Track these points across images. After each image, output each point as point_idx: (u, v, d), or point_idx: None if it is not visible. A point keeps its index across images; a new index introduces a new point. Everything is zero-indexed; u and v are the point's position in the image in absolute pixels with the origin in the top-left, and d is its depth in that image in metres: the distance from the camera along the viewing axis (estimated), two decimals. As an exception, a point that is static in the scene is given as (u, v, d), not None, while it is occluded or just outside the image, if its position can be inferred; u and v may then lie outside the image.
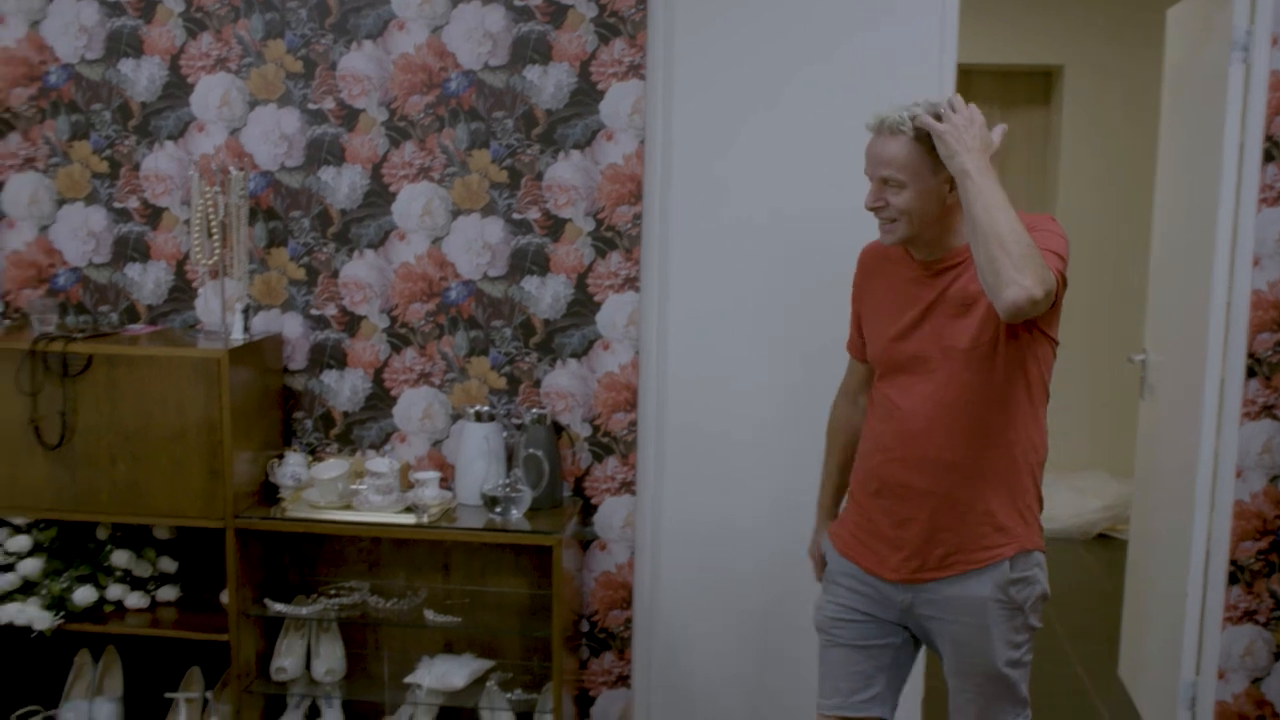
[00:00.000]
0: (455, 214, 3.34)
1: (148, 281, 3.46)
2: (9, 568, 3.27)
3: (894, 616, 2.42)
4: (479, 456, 3.26)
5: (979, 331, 2.22)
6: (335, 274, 3.39)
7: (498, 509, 3.18)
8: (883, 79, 3.12)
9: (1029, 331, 2.23)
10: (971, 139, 2.14)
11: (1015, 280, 2.01)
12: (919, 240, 2.29)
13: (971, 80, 6.67)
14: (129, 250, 3.45)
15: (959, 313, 2.25)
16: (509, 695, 3.34)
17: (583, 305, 3.34)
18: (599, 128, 3.27)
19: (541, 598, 3.35)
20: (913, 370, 2.32)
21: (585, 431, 3.39)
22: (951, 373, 2.26)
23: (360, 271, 3.39)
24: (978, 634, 2.32)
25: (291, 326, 3.42)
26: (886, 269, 2.42)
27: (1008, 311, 2.04)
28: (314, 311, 3.41)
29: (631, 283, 3.32)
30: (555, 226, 3.32)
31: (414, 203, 3.34)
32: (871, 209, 2.30)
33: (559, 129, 3.28)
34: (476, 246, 3.34)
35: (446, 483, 3.35)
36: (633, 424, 3.37)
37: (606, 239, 3.31)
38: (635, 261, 3.30)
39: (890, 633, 2.44)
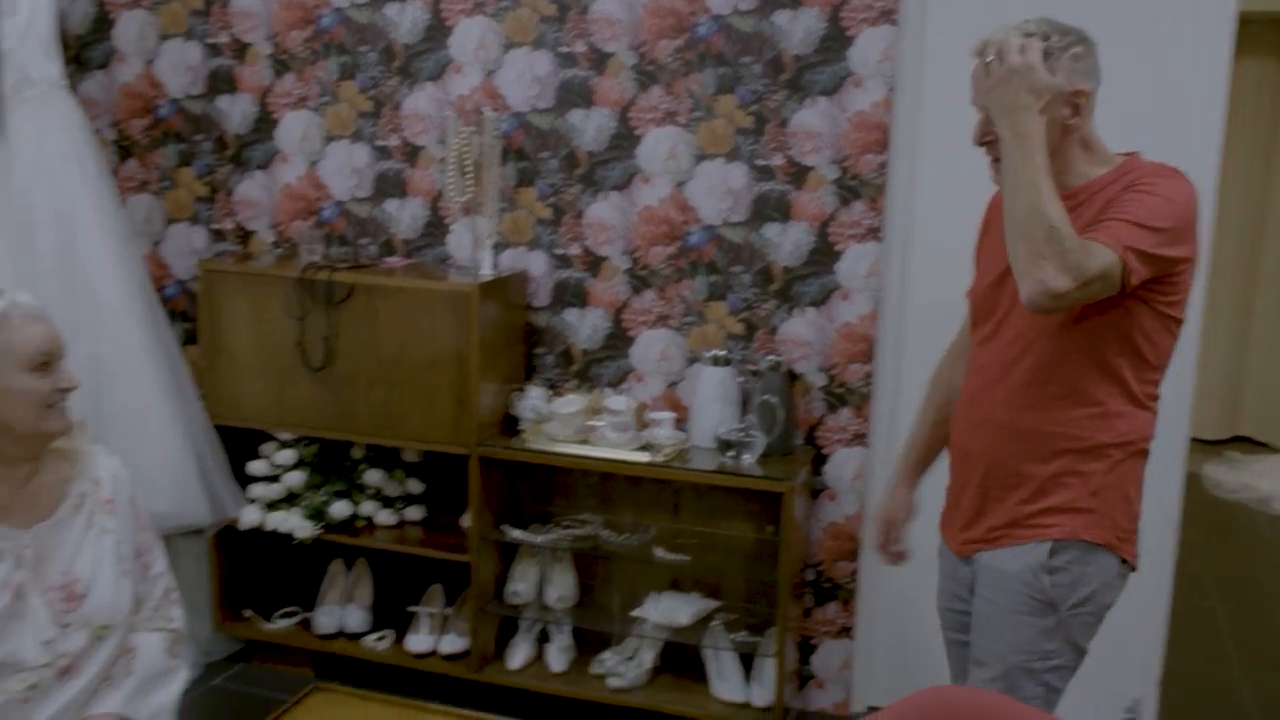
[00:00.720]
0: (699, 159, 3.35)
1: (404, 216, 3.63)
2: (276, 479, 3.53)
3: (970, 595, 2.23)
4: (714, 400, 3.30)
5: None
6: (580, 215, 3.47)
7: (730, 453, 3.21)
8: (1152, 26, 2.94)
9: (1132, 302, 1.97)
10: (1011, 96, 1.90)
11: (1028, 272, 1.84)
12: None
13: (1250, 30, 6.20)
14: (388, 186, 3.63)
15: None
16: (733, 636, 3.39)
17: (823, 254, 3.31)
18: (847, 74, 3.21)
19: (769, 543, 3.37)
20: (990, 325, 2.15)
21: (820, 381, 3.37)
22: (1020, 331, 2.06)
23: (604, 213, 3.45)
24: (998, 616, 2.10)
25: (536, 264, 3.53)
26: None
27: (1027, 307, 1.88)
28: (558, 250, 3.51)
29: (874, 233, 3.26)
30: (798, 173, 3.29)
31: (659, 146, 3.37)
32: (980, 144, 2.07)
33: (806, 75, 3.23)
34: (719, 191, 3.35)
35: (680, 424, 3.40)
36: (869, 376, 3.33)
37: (850, 188, 3.26)
38: (879, 211, 3.24)
39: None
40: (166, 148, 3.81)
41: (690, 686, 3.39)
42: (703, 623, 3.41)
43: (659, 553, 3.36)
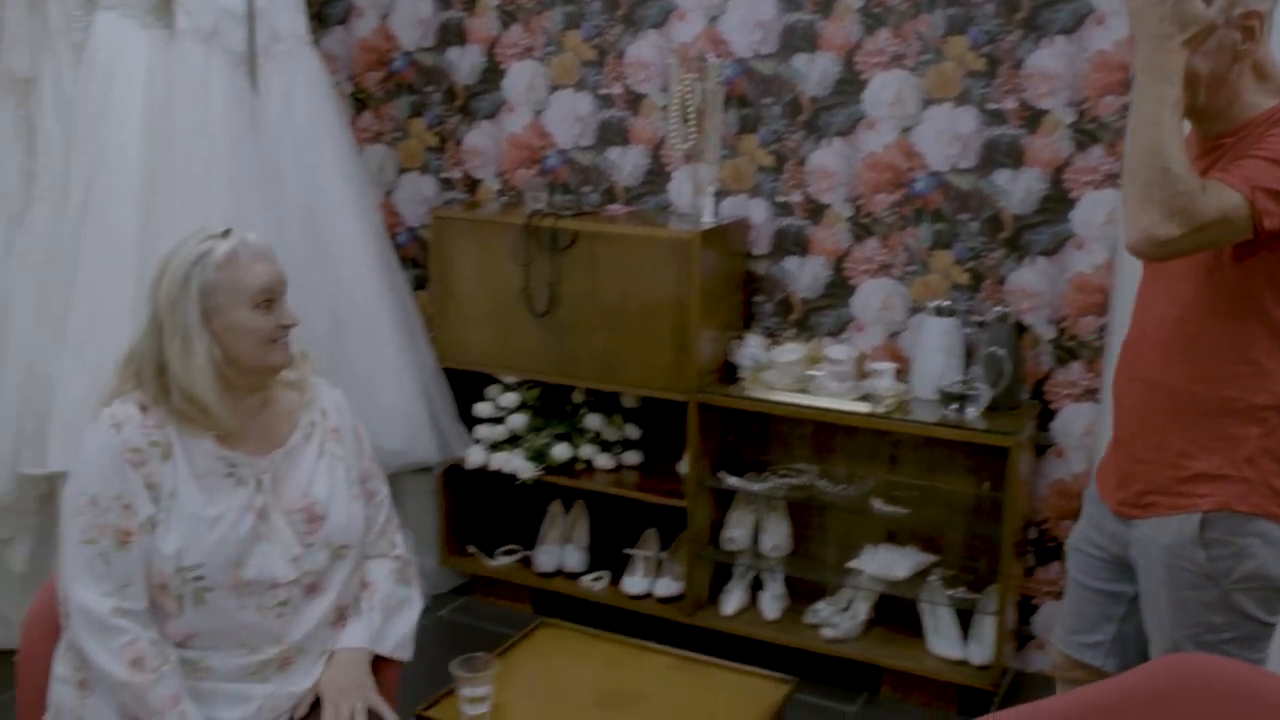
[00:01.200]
0: (926, 103, 3.26)
1: (626, 164, 3.66)
2: (500, 421, 3.65)
3: (1119, 558, 2.09)
4: (937, 351, 3.22)
5: None
6: (802, 162, 3.43)
7: (953, 405, 3.14)
8: None
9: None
10: (1153, 23, 1.72)
11: (1134, 216, 1.70)
12: (1207, 112, 1.85)
13: None
14: (612, 135, 3.67)
15: None
16: (950, 592, 3.33)
17: (1056, 201, 3.17)
18: (1088, 11, 3.05)
19: (990, 499, 3.28)
20: (1152, 274, 2.00)
21: (1049, 333, 3.25)
22: (1173, 282, 1.91)
23: (827, 160, 3.40)
24: (1156, 591, 1.97)
25: (757, 212, 3.51)
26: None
27: (1131, 252, 1.75)
28: (779, 198, 3.48)
29: (1112, 179, 3.11)
30: (1032, 117, 3.16)
31: (885, 91, 3.30)
32: None
33: (1043, 13, 3.09)
34: (947, 137, 3.25)
35: (901, 375, 3.34)
36: (1102, 329, 3.19)
37: (1088, 132, 3.11)
38: (1118, 156, 3.09)
39: (1122, 577, 2.09)
40: (399, 99, 3.95)
41: (905, 641, 3.35)
42: (919, 577, 3.36)
43: (876, 504, 3.32)
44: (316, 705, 2.05)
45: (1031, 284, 3.24)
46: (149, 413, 1.96)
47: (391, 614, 2.16)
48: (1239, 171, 1.73)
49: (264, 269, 1.99)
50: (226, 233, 1.99)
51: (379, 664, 2.21)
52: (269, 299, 1.98)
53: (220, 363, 1.95)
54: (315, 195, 3.40)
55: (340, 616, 2.11)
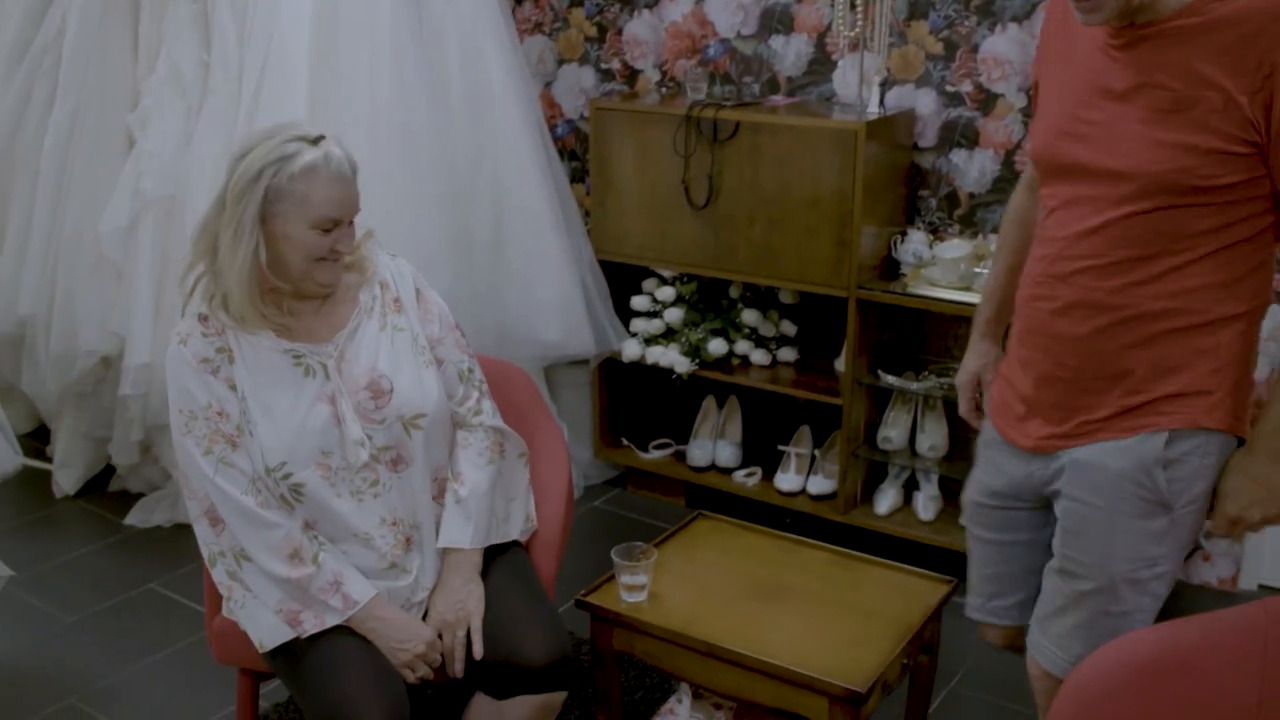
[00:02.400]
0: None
1: (789, 54, 3.56)
2: (656, 315, 3.65)
3: (1037, 502, 1.91)
4: (1112, 249, 3.07)
5: (1191, 144, 1.59)
6: (975, 49, 3.27)
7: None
8: None
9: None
10: None
11: None
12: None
13: None
14: (774, 22, 3.56)
15: (1163, 113, 1.60)
16: (1115, 499, 3.22)
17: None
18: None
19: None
20: (1077, 183, 1.72)
21: None
22: (1125, 196, 1.65)
23: (1001, 47, 3.24)
24: (1099, 522, 1.77)
25: (924, 102, 3.38)
26: (1074, 25, 1.70)
27: None
28: (949, 88, 3.34)
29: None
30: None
31: (1067, -29, 3.11)
32: None
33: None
34: (1133, 20, 3.06)
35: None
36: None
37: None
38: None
39: (1035, 525, 1.93)
40: (556, -12, 3.91)
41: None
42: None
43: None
44: None
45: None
46: (208, 322, 1.99)
47: (488, 500, 2.14)
48: None
49: (337, 194, 1.95)
50: (318, 140, 1.95)
51: (535, 552, 2.26)
52: (330, 227, 1.95)
53: (264, 264, 1.93)
54: (478, 86, 3.40)
55: (439, 492, 2.13)
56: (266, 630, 2.01)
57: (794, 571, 2.36)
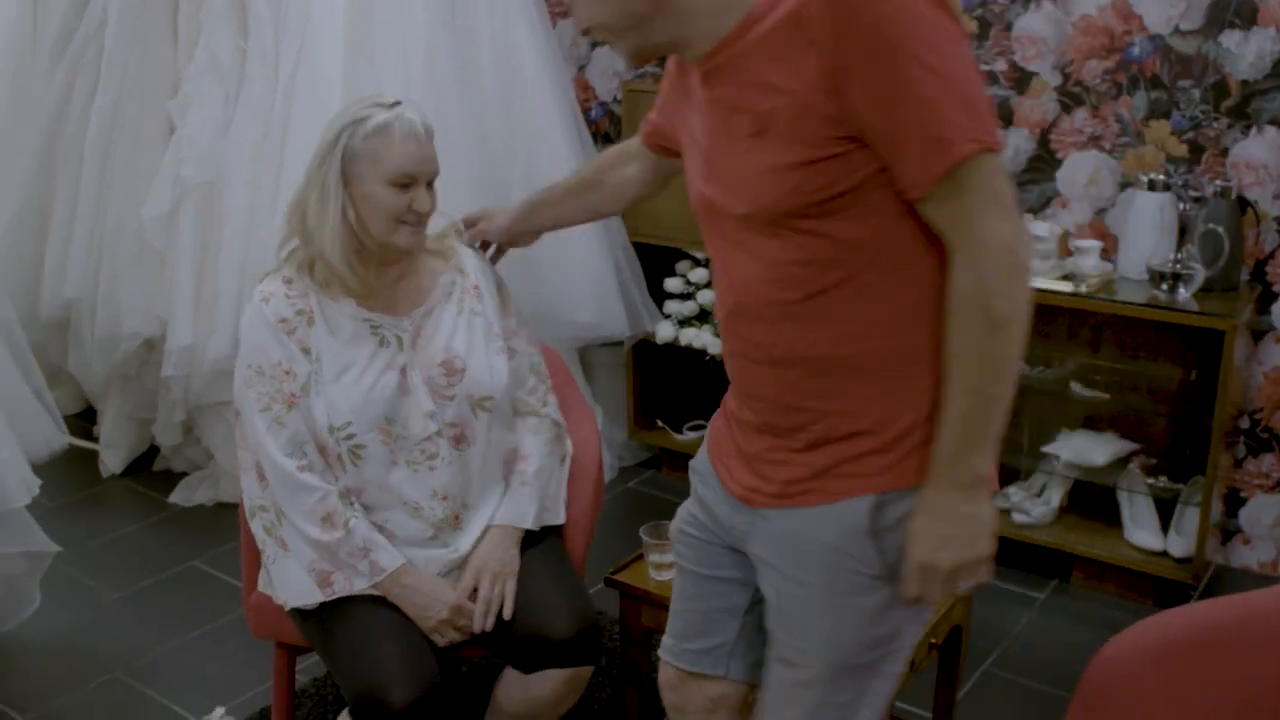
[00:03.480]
0: (1149, -40, 3.04)
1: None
2: (689, 296, 3.66)
3: (739, 548, 1.66)
4: (1148, 228, 3.05)
5: (788, 163, 1.38)
6: (1008, 28, 3.25)
7: (1164, 285, 2.98)
8: None
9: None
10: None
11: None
12: (678, 42, 1.47)
13: None
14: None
15: (752, 138, 1.41)
16: (1150, 481, 3.20)
17: (1291, 65, 2.93)
18: None
19: (1198, 386, 3.12)
20: (725, 228, 1.51)
21: (1276, 210, 3.03)
22: (754, 234, 1.45)
23: (1034, 24, 3.21)
24: (806, 601, 1.54)
25: (958, 82, 3.36)
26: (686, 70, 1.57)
27: None
28: (983, 67, 3.32)
29: (1358, 40, 2.84)
30: (1268, -27, 2.91)
31: (1102, -52, 3.09)
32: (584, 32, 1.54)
33: None
34: (1170, -3, 3.03)
35: (1107, 254, 3.19)
36: (1336, 205, 2.96)
37: (1333, -13, 2.85)
38: (1367, 14, 2.82)
39: (745, 565, 1.66)
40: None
41: (1100, 529, 3.26)
42: (1118, 464, 3.24)
43: (1076, 388, 3.21)
44: None
45: (1259, 156, 3.01)
46: (293, 284, 2.05)
47: (545, 486, 2.20)
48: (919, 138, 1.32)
49: (412, 151, 1.99)
50: (395, 105, 2.02)
51: (566, 532, 2.29)
52: (407, 182, 2.00)
53: (353, 226, 2.01)
54: (510, 71, 3.43)
55: (497, 473, 2.18)
56: (295, 589, 2.06)
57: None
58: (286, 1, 3.22)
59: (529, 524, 2.15)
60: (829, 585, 1.51)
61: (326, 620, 2.05)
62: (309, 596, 2.05)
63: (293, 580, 2.06)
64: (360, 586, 2.03)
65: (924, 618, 1.59)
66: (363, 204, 2.01)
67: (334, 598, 2.03)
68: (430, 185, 2.06)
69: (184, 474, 3.78)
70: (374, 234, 2.03)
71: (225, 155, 3.32)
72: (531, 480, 2.18)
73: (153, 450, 3.91)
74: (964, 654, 2.38)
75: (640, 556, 2.31)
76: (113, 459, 3.84)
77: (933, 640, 2.16)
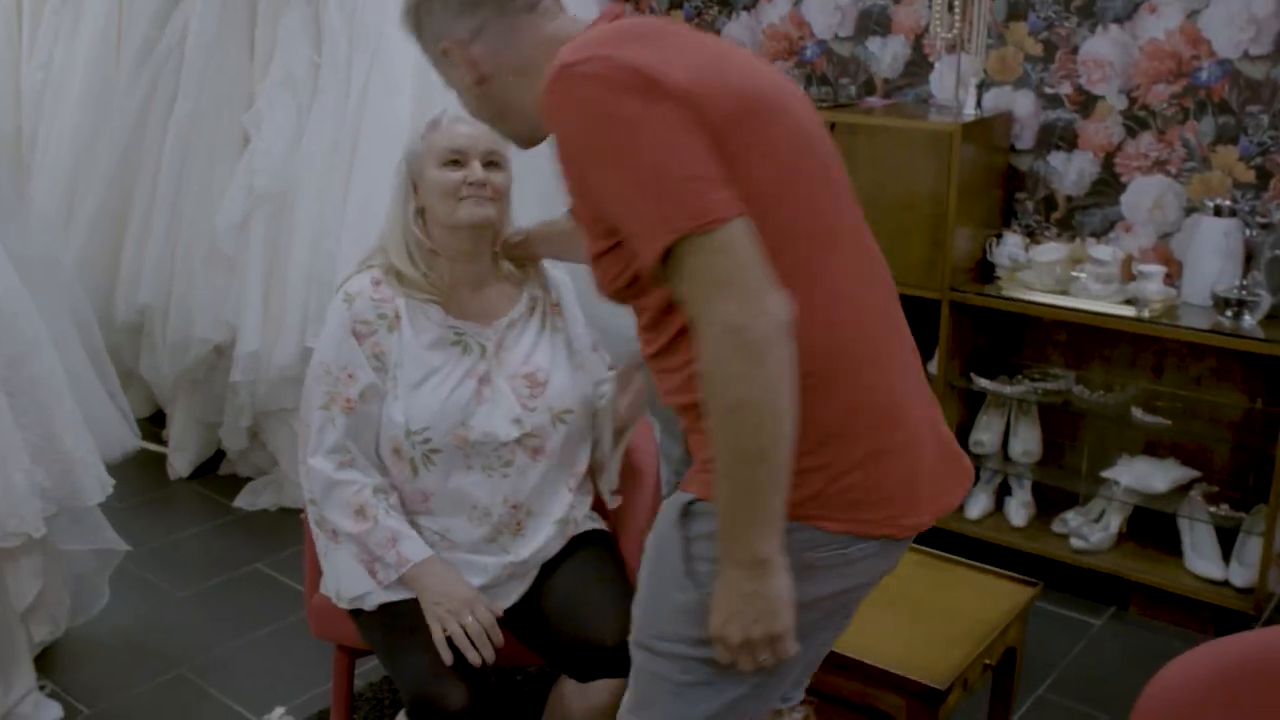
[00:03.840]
0: (1219, -16, 3.02)
1: (886, 55, 3.57)
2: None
3: None
4: (1213, 254, 3.03)
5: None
6: (1074, 50, 3.25)
7: (1229, 311, 2.95)
8: None
9: None
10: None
11: None
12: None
13: None
14: (871, 24, 3.57)
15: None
16: (1213, 509, 3.17)
17: (1364, 92, 2.90)
18: None
19: (1263, 413, 3.09)
20: None
21: (1345, 238, 3.00)
22: None
23: (1101, 48, 3.21)
24: (643, 572, 1.60)
25: (1022, 104, 3.36)
26: None
27: None
28: (1047, 90, 3.31)
29: None
30: (1342, -2, 2.88)
31: (1172, -28, 3.08)
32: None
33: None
34: (1239, 21, 3.01)
35: (1170, 279, 3.16)
36: None
37: None
38: None
39: None
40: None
41: (1159, 557, 3.23)
42: (1179, 492, 3.21)
43: (1137, 413, 3.19)
44: (546, 575, 2.17)
45: (1328, 184, 2.99)
46: (380, 286, 2.10)
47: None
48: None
49: (463, 129, 2.07)
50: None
51: (621, 541, 2.31)
52: (458, 158, 2.06)
53: (424, 225, 2.09)
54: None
55: (578, 485, 2.21)
56: (346, 579, 2.10)
57: (879, 570, 2.38)
58: (360, 15, 3.29)
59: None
60: (654, 567, 1.53)
61: (386, 622, 2.09)
62: (362, 585, 2.09)
63: (344, 570, 2.10)
64: (389, 577, 2.07)
65: (767, 682, 1.52)
66: (427, 196, 2.09)
67: (384, 591, 2.07)
68: (493, 164, 2.10)
69: (249, 479, 3.86)
70: (440, 220, 2.09)
71: (297, 166, 3.40)
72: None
73: (219, 454, 3.99)
74: (1018, 677, 2.37)
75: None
76: (180, 462, 3.92)
77: (987, 661, 2.16)
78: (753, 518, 1.36)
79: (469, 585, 2.08)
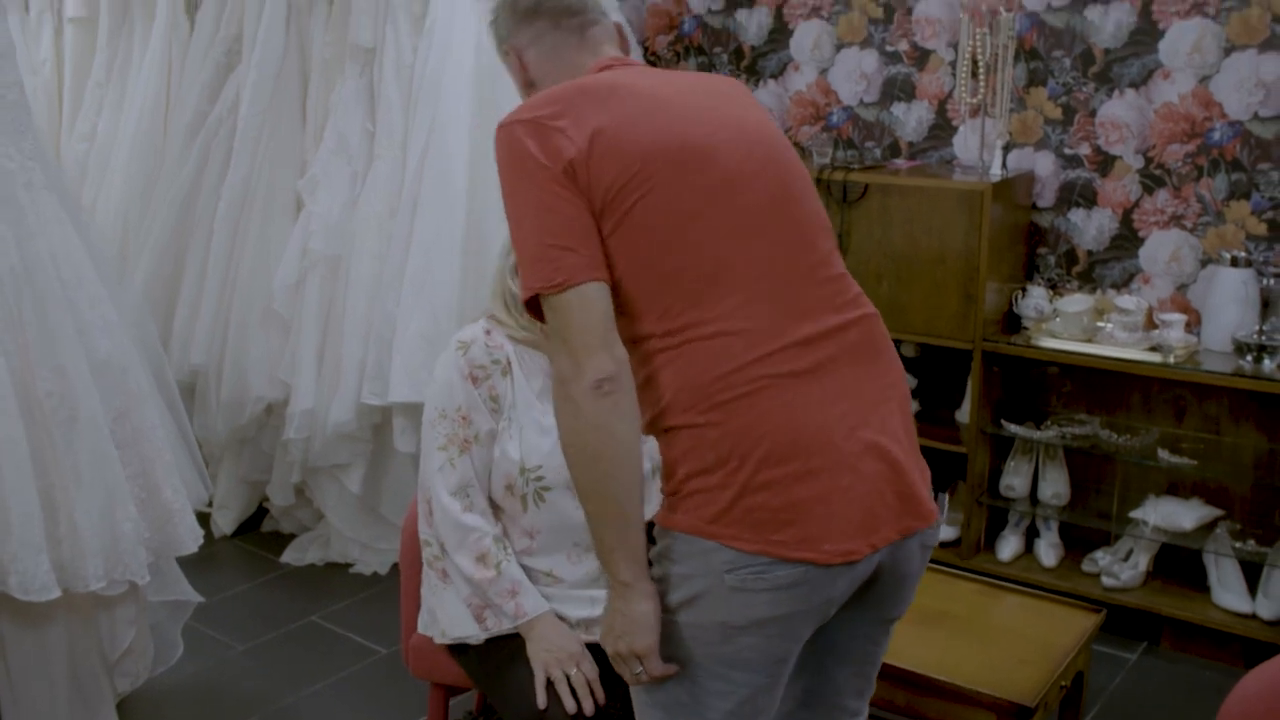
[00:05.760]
0: (1228, 50, 3.23)
1: (910, 120, 3.76)
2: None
3: None
4: (1231, 302, 3.21)
5: None
6: (1093, 113, 3.45)
7: (1249, 356, 3.13)
8: None
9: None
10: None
11: None
12: None
13: None
14: (896, 90, 3.77)
15: None
16: (1238, 544, 3.32)
17: (1367, 149, 3.11)
18: None
19: (1284, 453, 3.26)
20: None
21: (1355, 285, 3.19)
22: None
23: (1118, 111, 3.41)
24: None
25: (1043, 165, 3.55)
26: None
27: None
28: (1067, 150, 3.51)
29: None
30: (1343, 63, 3.10)
31: (1183, 40, 3.28)
32: None
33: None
34: (1249, 85, 3.22)
35: (1190, 327, 3.34)
36: None
37: (1405, 77, 3.03)
38: None
39: None
40: (688, 61, 4.15)
41: (1188, 593, 3.37)
42: (1205, 529, 3.36)
43: (1163, 454, 3.34)
44: None
45: (1336, 235, 3.18)
46: (492, 334, 2.23)
47: None
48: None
49: None
50: None
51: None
52: None
53: (506, 272, 2.21)
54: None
55: None
56: (452, 619, 2.19)
57: (947, 600, 2.50)
58: (416, 84, 3.44)
59: None
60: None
61: (493, 655, 2.19)
62: (466, 629, 2.18)
63: (451, 611, 2.20)
64: (505, 627, 2.16)
65: (701, 674, 1.60)
66: None
67: (488, 635, 2.17)
68: None
69: (292, 535, 3.93)
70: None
71: (352, 229, 3.53)
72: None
73: (260, 512, 4.06)
74: (1085, 700, 2.49)
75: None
76: (224, 520, 3.99)
77: (1063, 683, 2.27)
78: (607, 544, 1.57)
79: (578, 640, 2.16)
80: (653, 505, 1.65)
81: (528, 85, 1.78)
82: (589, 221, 1.54)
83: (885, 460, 1.58)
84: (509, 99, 3.41)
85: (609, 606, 1.61)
